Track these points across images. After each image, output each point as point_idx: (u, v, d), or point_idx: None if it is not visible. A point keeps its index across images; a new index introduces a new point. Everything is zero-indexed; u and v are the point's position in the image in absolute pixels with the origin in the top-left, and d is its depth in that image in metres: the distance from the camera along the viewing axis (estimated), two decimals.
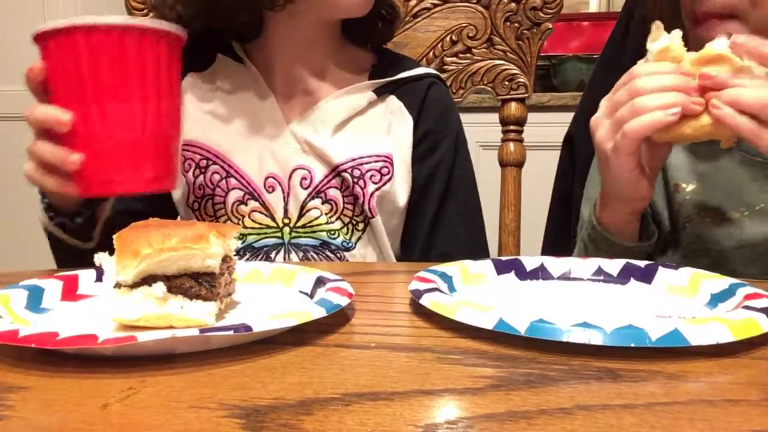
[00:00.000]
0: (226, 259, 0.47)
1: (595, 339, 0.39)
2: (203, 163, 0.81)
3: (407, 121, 0.84)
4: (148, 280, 0.43)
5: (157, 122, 0.61)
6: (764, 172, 0.73)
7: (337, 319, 0.47)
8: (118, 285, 0.43)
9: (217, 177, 0.81)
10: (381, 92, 0.84)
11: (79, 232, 0.72)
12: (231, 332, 0.40)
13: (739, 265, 0.74)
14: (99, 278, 0.56)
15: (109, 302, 0.44)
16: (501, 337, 0.43)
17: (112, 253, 0.44)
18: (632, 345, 0.39)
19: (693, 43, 0.64)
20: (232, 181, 0.81)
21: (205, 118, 0.83)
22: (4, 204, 2.36)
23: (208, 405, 0.33)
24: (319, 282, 0.53)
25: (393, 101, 0.84)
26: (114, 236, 0.45)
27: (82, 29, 0.58)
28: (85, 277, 0.56)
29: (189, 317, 0.43)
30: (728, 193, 0.75)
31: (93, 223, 0.73)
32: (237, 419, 0.32)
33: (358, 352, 0.42)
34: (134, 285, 0.43)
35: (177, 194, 0.83)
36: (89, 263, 0.48)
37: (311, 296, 0.53)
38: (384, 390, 0.35)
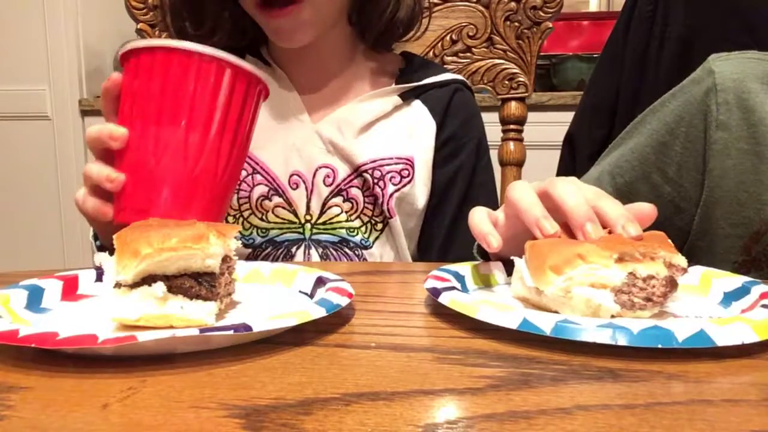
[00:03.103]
0: (226, 259, 0.47)
1: (622, 340, 0.39)
2: None
3: (430, 126, 0.85)
4: (148, 280, 0.43)
5: (214, 161, 0.56)
6: None
7: (337, 319, 0.47)
8: (118, 285, 0.43)
9: (244, 173, 0.82)
10: (406, 97, 0.85)
11: None
12: (231, 332, 0.40)
13: None
14: (99, 278, 0.56)
15: (109, 302, 0.44)
16: (501, 336, 0.43)
17: (112, 253, 0.44)
18: (659, 346, 0.39)
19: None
20: (258, 177, 0.82)
21: None
22: (4, 204, 2.36)
23: (208, 405, 0.33)
24: (319, 282, 0.53)
25: (418, 106, 0.86)
26: (114, 236, 0.45)
27: (162, 49, 0.55)
28: (85, 277, 0.56)
29: (189, 317, 0.43)
30: None
31: None
32: (237, 419, 0.32)
33: (358, 352, 0.42)
34: (134, 285, 0.43)
35: None
36: None
37: (311, 296, 0.53)
38: (384, 390, 0.35)
